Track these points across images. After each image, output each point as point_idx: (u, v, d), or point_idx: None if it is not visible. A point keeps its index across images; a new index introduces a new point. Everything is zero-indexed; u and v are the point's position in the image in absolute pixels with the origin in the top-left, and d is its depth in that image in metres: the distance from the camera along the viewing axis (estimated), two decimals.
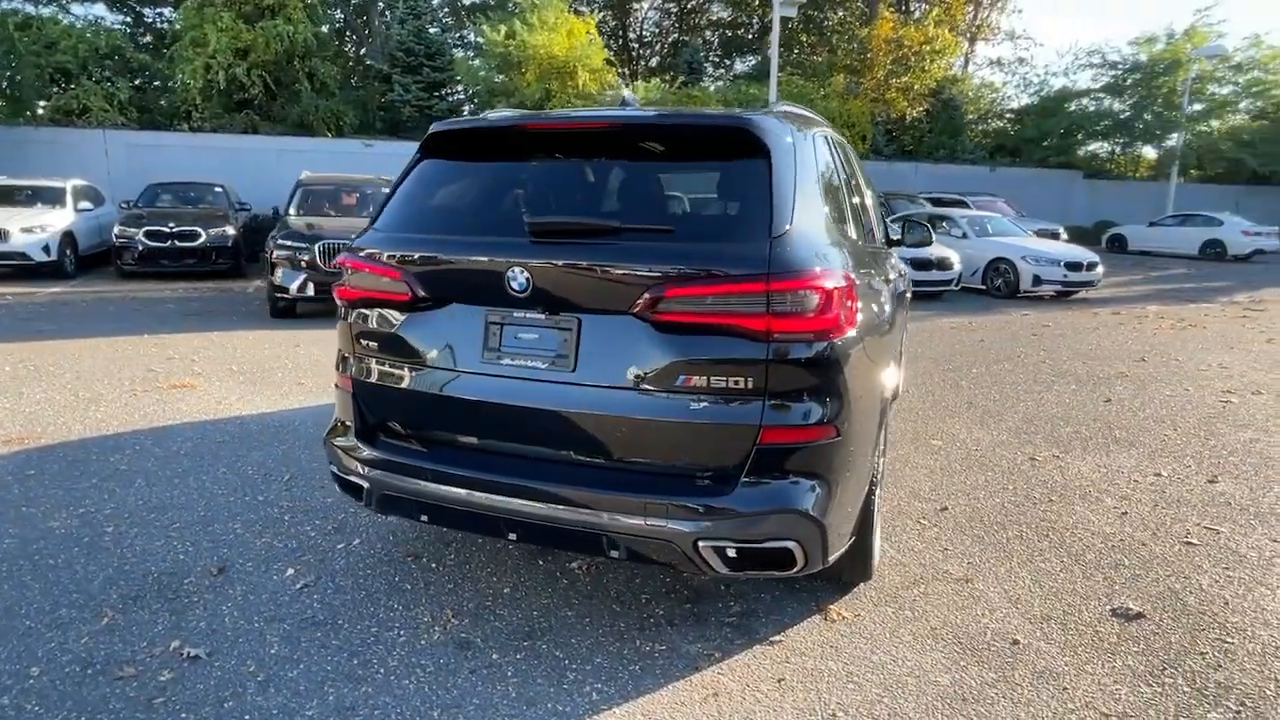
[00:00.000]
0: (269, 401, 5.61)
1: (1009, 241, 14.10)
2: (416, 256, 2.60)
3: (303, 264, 8.97)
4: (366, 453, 2.68)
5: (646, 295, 2.26)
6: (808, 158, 2.58)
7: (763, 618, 2.84)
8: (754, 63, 35.19)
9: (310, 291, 8.96)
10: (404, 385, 2.65)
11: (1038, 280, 12.98)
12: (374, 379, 2.73)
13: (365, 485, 2.68)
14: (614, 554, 2.35)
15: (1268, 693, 2.44)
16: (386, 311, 2.68)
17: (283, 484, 4.02)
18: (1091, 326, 10.18)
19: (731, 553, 2.26)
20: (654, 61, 36.33)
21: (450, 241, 2.59)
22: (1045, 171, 28.42)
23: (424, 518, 2.64)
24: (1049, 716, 2.33)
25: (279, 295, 9.05)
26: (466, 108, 23.51)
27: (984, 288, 13.53)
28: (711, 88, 26.37)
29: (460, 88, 23.28)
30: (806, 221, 2.39)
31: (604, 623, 2.79)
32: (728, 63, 36.21)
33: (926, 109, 28.27)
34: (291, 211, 10.42)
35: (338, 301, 2.85)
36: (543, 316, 2.42)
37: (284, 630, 2.69)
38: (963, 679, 2.50)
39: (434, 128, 2.84)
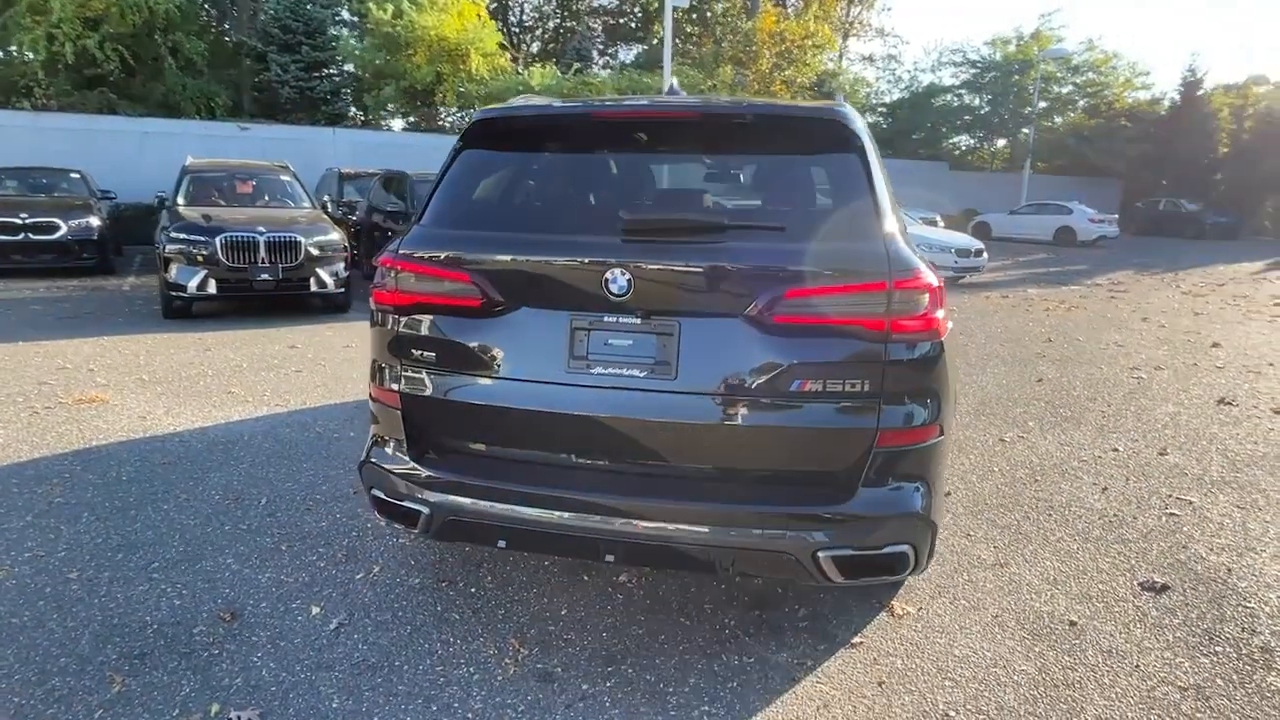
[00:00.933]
0: (202, 414, 5.04)
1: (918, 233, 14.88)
2: (487, 258, 2.36)
3: (200, 259, 8.17)
4: (427, 475, 2.42)
5: (764, 297, 2.15)
6: (876, 151, 2.55)
7: (833, 620, 2.81)
8: (640, 51, 35.27)
9: (211, 289, 8.18)
10: (473, 399, 2.40)
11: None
12: (432, 393, 2.46)
13: (424, 511, 2.42)
14: (728, 571, 2.23)
15: None
16: (449, 318, 2.42)
17: (262, 509, 3.61)
18: (991, 310, 10.89)
19: (850, 561, 2.20)
20: (535, 47, 35.70)
21: (528, 241, 2.37)
22: (916, 163, 30.20)
23: (502, 543, 2.41)
24: (1137, 695, 2.42)
25: (175, 294, 8.19)
26: (348, 91, 22.16)
27: None
28: (604, 75, 26.13)
29: (343, 68, 21.90)
30: (897, 219, 2.36)
31: (679, 638, 2.67)
32: (613, 50, 36.08)
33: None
34: (180, 201, 9.43)
35: (376, 307, 2.55)
36: (638, 321, 2.25)
37: (338, 680, 2.39)
38: (1044, 665, 2.56)
39: (481, 114, 2.59)
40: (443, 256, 2.40)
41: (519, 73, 21.52)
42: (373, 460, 2.58)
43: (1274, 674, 2.54)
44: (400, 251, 2.44)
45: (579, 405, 2.30)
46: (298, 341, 7.46)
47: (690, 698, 2.36)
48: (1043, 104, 32.33)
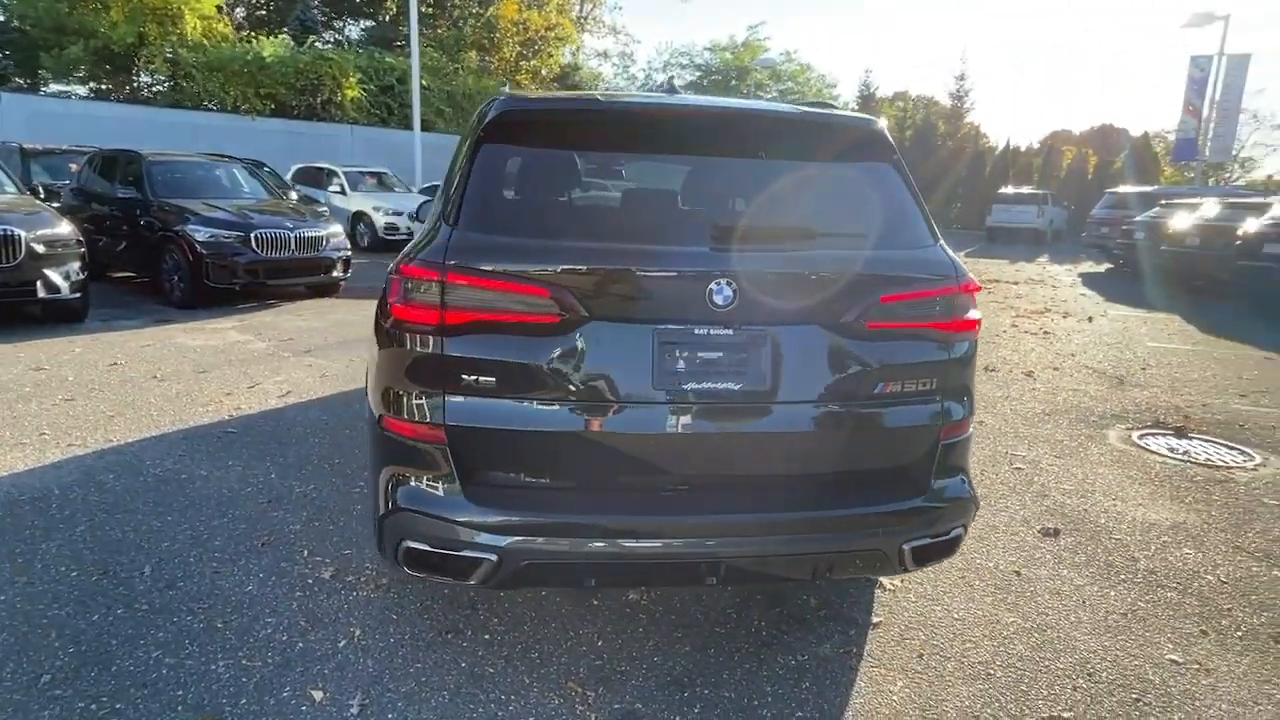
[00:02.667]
0: None
1: None
2: (565, 268, 2.10)
3: None
4: (495, 518, 2.11)
5: (859, 303, 2.19)
6: None
7: (841, 604, 2.95)
8: (369, 27, 32.97)
9: None
10: (545, 427, 2.13)
11: None
12: (493, 423, 2.14)
13: (491, 558, 2.11)
14: (825, 576, 2.26)
15: None
16: (518, 337, 2.13)
17: (151, 580, 2.87)
18: None
19: (926, 549, 2.34)
20: (240, 13, 31.71)
21: (611, 250, 2.15)
22: None
23: (592, 581, 2.18)
24: (1095, 625, 2.89)
25: None
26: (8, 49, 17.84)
27: None
28: (343, 52, 24.01)
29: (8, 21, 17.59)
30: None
31: (728, 649, 2.64)
32: (339, 24, 33.28)
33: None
34: None
35: (404, 325, 2.16)
36: (730, 332, 2.16)
37: None
38: (1023, 614, 2.95)
39: (507, 106, 2.29)
40: (512, 267, 2.11)
41: (247, 42, 18.96)
42: (404, 507, 2.18)
43: (1170, 590, 3.18)
44: (447, 261, 2.08)
45: (669, 424, 2.16)
46: (40, 362, 5.96)
47: (779, 705, 2.36)
48: None
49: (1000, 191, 27.80)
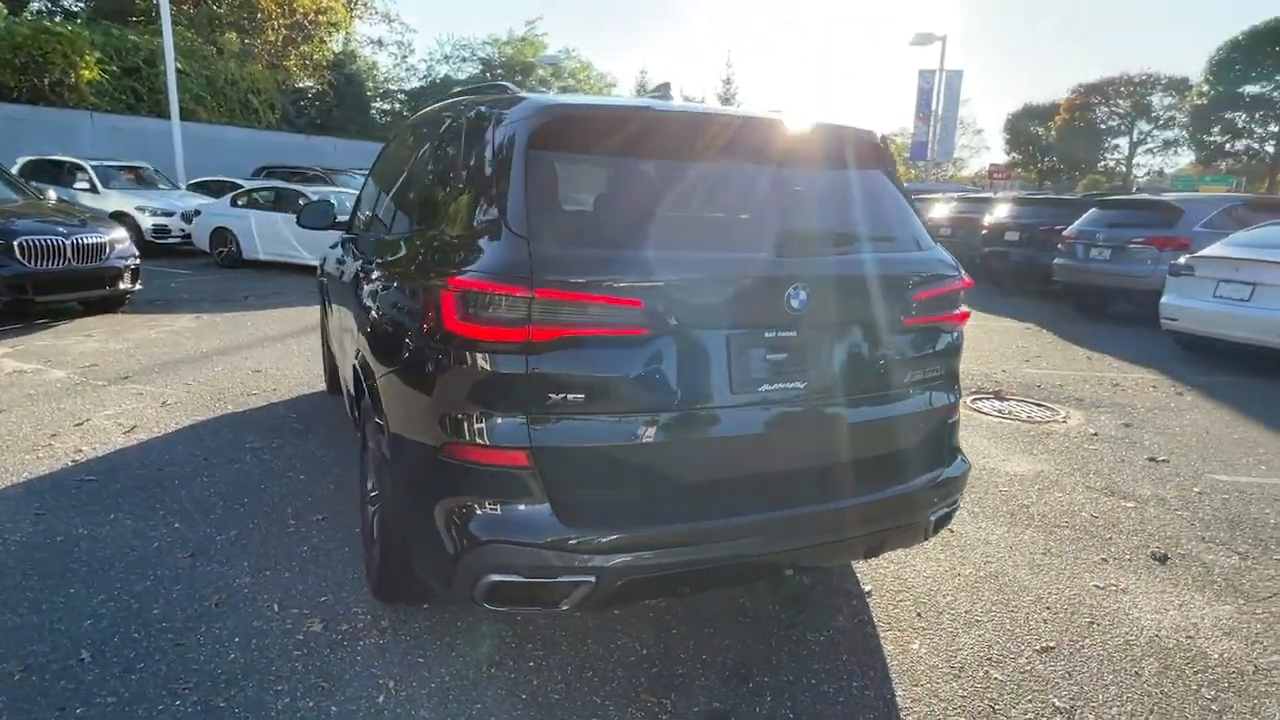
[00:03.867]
0: None
1: None
2: (652, 278, 2.07)
3: None
4: (592, 538, 2.03)
5: (898, 300, 2.38)
6: None
7: (830, 577, 3.18)
8: None
9: None
10: (633, 439, 2.08)
11: None
12: (579, 440, 2.06)
13: (589, 580, 2.04)
14: (876, 553, 2.43)
15: None
16: (606, 350, 2.06)
17: (95, 667, 2.38)
18: None
19: (943, 519, 2.61)
20: None
21: (691, 260, 2.15)
22: None
23: (686, 590, 2.18)
24: (1021, 599, 3.38)
25: None
26: None
27: None
28: (70, 23, 20.44)
29: None
30: None
31: (761, 636, 2.74)
32: None
33: (330, 82, 27.50)
34: None
35: (479, 345, 2.00)
36: (794, 334, 2.26)
37: None
38: (977, 567, 3.37)
39: (554, 109, 2.21)
40: (606, 279, 2.04)
41: None
42: (487, 539, 2.04)
43: (1064, 529, 3.78)
44: (537, 275, 1.97)
45: (747, 425, 2.22)
46: None
47: (835, 679, 2.51)
48: None
49: None
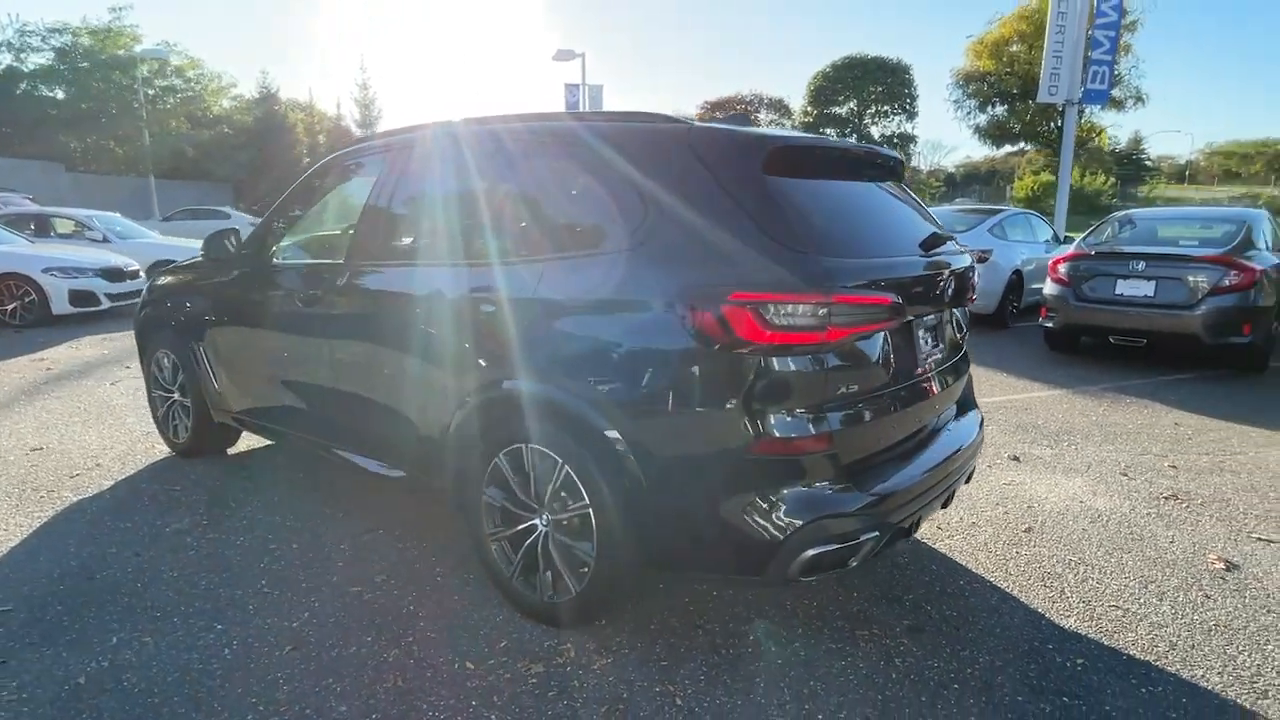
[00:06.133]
0: None
1: (176, 244, 13.03)
2: (890, 280, 2.52)
3: None
4: (872, 499, 2.43)
5: (966, 285, 3.10)
6: None
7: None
8: None
9: None
10: (879, 413, 2.50)
11: None
12: (856, 419, 2.43)
13: (876, 534, 2.43)
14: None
15: None
16: (868, 343, 2.48)
17: None
18: None
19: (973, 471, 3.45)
20: None
21: (896, 262, 2.62)
22: (24, 161, 24.68)
23: (916, 529, 2.66)
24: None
25: None
26: None
27: None
28: None
29: None
30: None
31: (889, 571, 3.32)
32: None
33: None
34: None
35: (771, 350, 2.26)
36: (942, 315, 2.92)
37: None
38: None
39: (781, 142, 2.55)
40: (867, 283, 2.42)
41: None
42: (807, 520, 2.31)
43: None
44: (833, 283, 2.30)
45: (930, 389, 2.80)
46: None
47: (922, 647, 3.09)
48: (152, 106, 30.75)
49: None
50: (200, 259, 4.52)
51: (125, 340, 9.04)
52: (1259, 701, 2.44)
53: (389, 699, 2.40)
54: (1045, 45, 13.24)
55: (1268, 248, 7.54)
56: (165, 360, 4.69)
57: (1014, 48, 27.08)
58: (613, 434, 2.49)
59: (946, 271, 2.86)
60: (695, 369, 2.36)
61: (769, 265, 2.32)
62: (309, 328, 3.59)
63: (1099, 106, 25.99)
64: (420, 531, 3.62)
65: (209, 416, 4.47)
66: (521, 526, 2.84)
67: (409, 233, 3.40)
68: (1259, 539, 3.67)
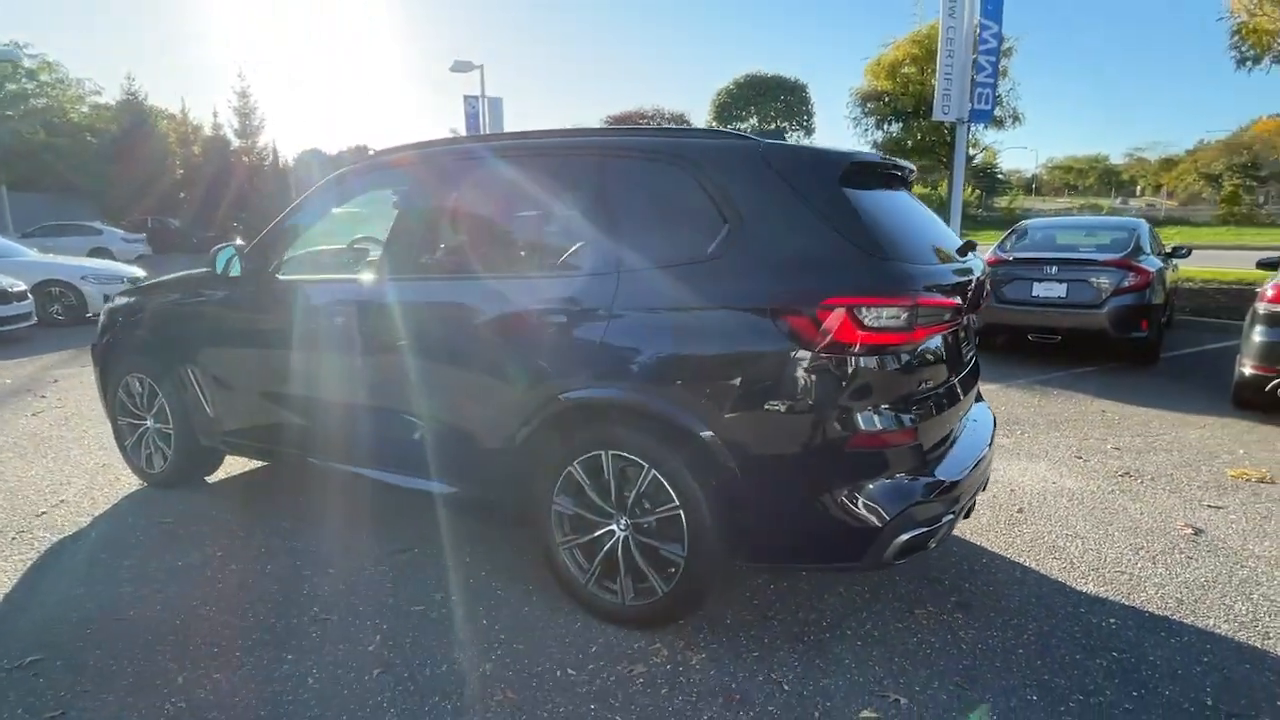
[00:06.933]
0: None
1: (66, 262, 11.95)
2: (947, 284, 2.75)
3: None
4: (950, 482, 2.64)
5: (984, 293, 3.39)
6: None
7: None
8: None
9: None
10: (937, 405, 2.70)
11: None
12: (930, 412, 2.63)
13: (950, 516, 2.65)
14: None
15: None
16: (934, 341, 2.70)
17: None
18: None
19: None
20: None
21: (949, 268, 2.83)
22: None
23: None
24: None
25: None
26: None
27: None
28: None
29: None
30: None
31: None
32: None
33: None
34: None
35: (868, 350, 2.44)
36: (967, 319, 3.17)
37: None
38: None
39: (855, 157, 2.77)
40: (934, 286, 2.62)
41: None
42: (902, 508, 2.49)
43: None
44: (918, 287, 2.50)
45: (967, 386, 3.05)
46: None
47: (977, 620, 3.46)
48: (1, 111, 27.97)
49: None
50: (170, 278, 4.51)
51: (25, 367, 8.26)
52: (1265, 642, 2.82)
53: (505, 713, 2.40)
54: (937, 68, 14.08)
55: (1151, 252, 8.49)
56: (136, 385, 4.38)
57: (906, 69, 28.97)
58: (708, 435, 2.59)
59: (977, 277, 3.14)
60: (791, 370, 2.50)
61: (860, 271, 2.50)
62: (339, 345, 3.48)
63: (983, 125, 28.15)
64: (456, 548, 3.57)
65: (195, 441, 4.22)
66: (598, 533, 2.88)
67: (471, 247, 3.37)
68: (1209, 506, 4.18)
